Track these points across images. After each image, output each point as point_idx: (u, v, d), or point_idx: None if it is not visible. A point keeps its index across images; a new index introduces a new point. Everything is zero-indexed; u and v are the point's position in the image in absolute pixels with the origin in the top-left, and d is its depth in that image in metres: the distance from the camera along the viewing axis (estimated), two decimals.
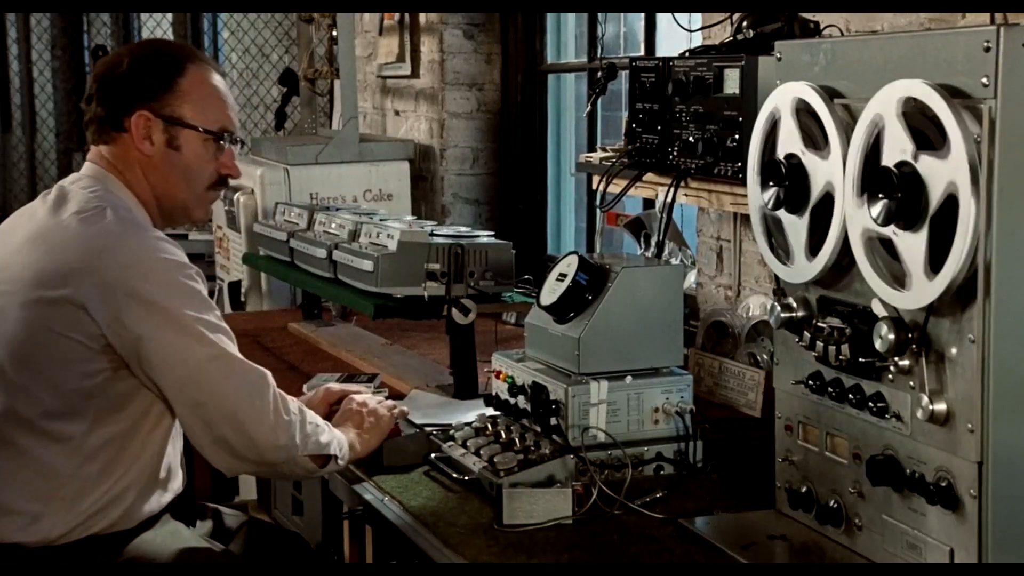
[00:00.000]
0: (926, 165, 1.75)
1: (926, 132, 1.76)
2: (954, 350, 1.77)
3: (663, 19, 4.09)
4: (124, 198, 2.36)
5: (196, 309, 2.23)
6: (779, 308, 2.07)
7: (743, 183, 2.37)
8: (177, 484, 2.45)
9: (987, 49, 1.67)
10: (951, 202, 1.71)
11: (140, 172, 2.39)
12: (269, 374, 2.29)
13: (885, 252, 1.85)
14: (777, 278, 2.12)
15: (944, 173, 1.72)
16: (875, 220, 1.81)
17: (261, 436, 2.24)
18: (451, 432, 2.61)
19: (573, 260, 2.52)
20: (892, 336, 1.82)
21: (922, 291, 1.77)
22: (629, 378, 2.46)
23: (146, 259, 2.22)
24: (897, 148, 1.79)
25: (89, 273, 2.19)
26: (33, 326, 2.23)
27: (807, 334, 2.01)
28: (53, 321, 2.21)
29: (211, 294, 5.08)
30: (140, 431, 2.31)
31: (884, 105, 1.81)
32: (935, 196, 1.74)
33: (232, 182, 2.57)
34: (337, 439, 2.39)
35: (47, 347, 2.22)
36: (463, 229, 3.35)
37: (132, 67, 2.37)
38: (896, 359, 1.84)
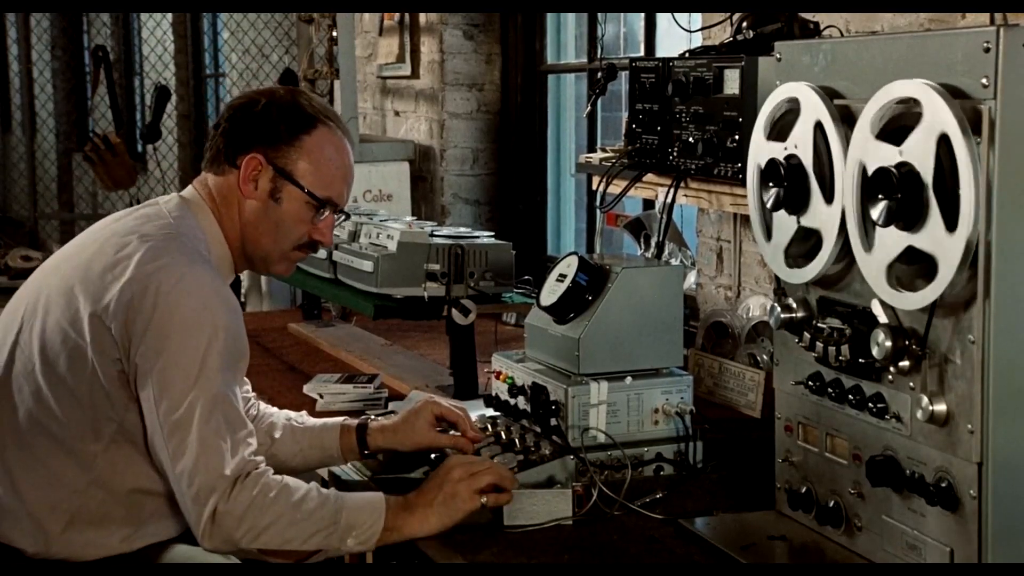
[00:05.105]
0: (925, 165, 1.75)
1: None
2: (954, 350, 1.77)
3: (663, 19, 4.09)
4: (209, 232, 2.31)
5: (194, 372, 2.11)
6: (779, 309, 2.07)
7: (743, 184, 2.37)
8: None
9: (987, 49, 1.67)
10: (951, 203, 1.71)
11: (236, 212, 2.32)
12: (254, 468, 2.10)
13: (885, 253, 1.85)
14: (777, 278, 2.12)
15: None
16: (875, 221, 1.81)
17: (194, 525, 2.11)
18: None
19: (573, 261, 2.52)
20: (888, 344, 1.82)
21: (922, 292, 1.77)
22: (629, 379, 2.45)
23: (179, 301, 2.13)
24: (896, 148, 1.79)
25: (124, 294, 2.14)
26: (65, 332, 2.18)
27: (807, 335, 2.01)
28: (81, 330, 2.17)
29: None
30: (155, 465, 2.20)
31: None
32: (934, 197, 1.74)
33: None
34: (352, 527, 2.15)
35: (73, 356, 2.18)
36: (463, 229, 3.35)
37: (266, 109, 2.31)
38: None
